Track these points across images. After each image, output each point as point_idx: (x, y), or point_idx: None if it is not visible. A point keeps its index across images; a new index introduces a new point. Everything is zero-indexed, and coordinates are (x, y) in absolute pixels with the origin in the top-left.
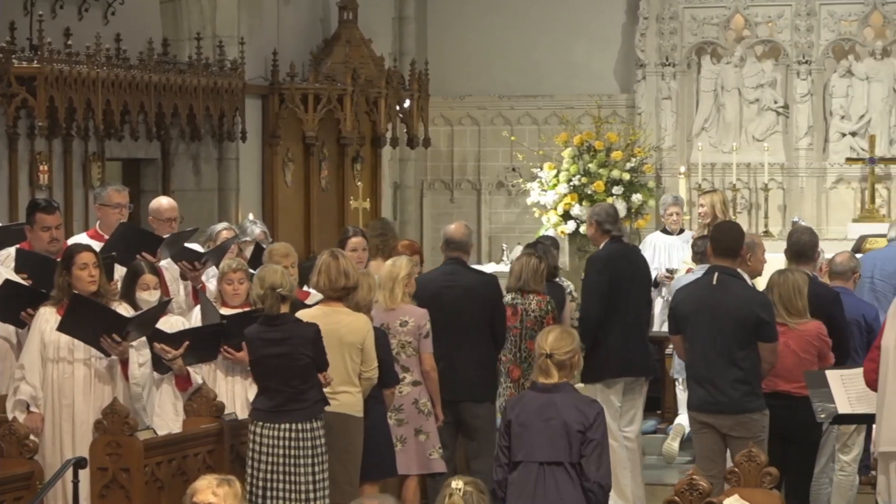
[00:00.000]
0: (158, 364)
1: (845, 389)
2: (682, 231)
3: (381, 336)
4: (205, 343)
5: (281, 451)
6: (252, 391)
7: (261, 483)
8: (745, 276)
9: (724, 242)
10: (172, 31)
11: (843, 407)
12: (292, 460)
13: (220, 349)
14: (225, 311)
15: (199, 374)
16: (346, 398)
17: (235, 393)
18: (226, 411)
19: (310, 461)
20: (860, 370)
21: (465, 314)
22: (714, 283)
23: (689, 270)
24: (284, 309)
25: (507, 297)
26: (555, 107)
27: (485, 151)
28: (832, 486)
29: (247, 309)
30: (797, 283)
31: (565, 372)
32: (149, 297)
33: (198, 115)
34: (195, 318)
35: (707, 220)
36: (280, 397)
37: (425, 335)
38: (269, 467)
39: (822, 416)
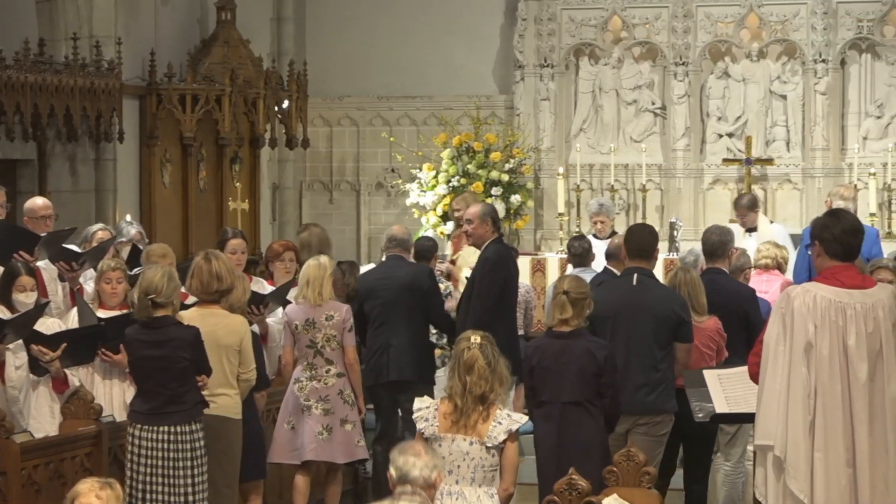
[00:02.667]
0: (35, 366)
1: (723, 389)
2: (613, 233)
3: (255, 339)
4: (82, 345)
5: (160, 454)
6: (130, 393)
7: (140, 486)
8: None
9: (637, 244)
10: (48, 31)
11: (721, 406)
12: (171, 462)
13: (97, 351)
14: (102, 313)
15: (76, 376)
16: (224, 400)
17: (113, 395)
18: (104, 414)
19: (189, 463)
20: (738, 370)
21: (401, 303)
22: (634, 283)
23: None
24: (163, 313)
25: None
26: (433, 108)
27: (364, 152)
28: (726, 479)
29: (124, 311)
30: (698, 280)
31: (577, 310)
32: (25, 300)
33: (74, 115)
34: (72, 320)
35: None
36: (158, 399)
37: (349, 329)
38: (149, 469)
39: (700, 415)
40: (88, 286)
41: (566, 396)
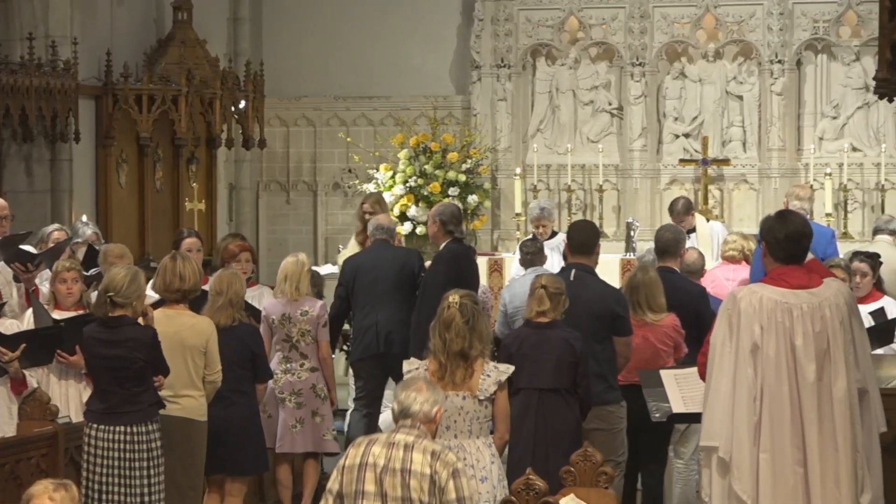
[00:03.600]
0: None
1: (679, 389)
2: (554, 234)
3: (255, 333)
4: (41, 346)
5: (116, 454)
6: (86, 394)
7: (96, 486)
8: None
9: (579, 239)
10: (3, 31)
11: (677, 406)
12: (127, 463)
13: (56, 352)
14: (58, 314)
15: (33, 377)
16: (188, 402)
17: (70, 396)
18: (60, 415)
19: (145, 464)
20: (694, 370)
21: (391, 282)
22: (571, 279)
23: None
24: (122, 312)
25: None
26: (390, 108)
27: (321, 153)
28: (679, 477)
29: (80, 312)
30: (657, 280)
31: (554, 304)
32: None
33: (30, 115)
34: (28, 321)
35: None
36: (114, 399)
37: (323, 324)
38: (105, 470)
39: (657, 415)
40: (44, 287)
41: (544, 384)
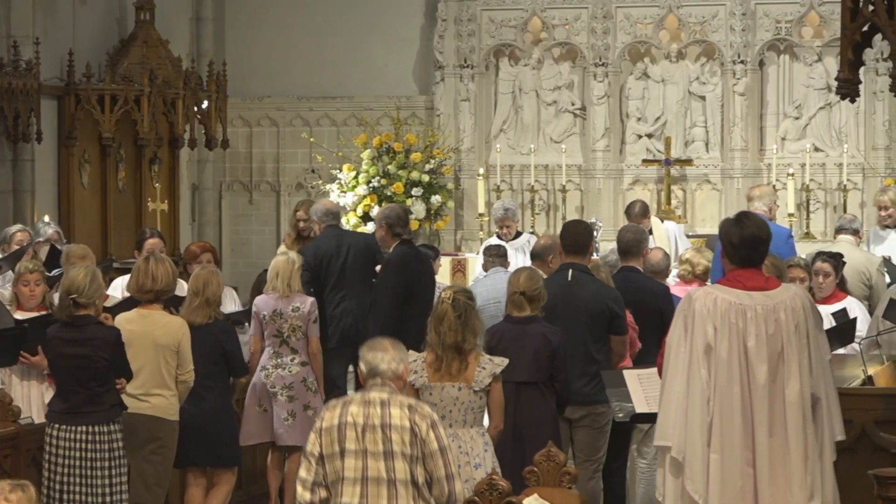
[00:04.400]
0: None
1: (642, 389)
2: (518, 235)
3: (229, 330)
4: (4, 347)
5: (78, 454)
6: (48, 395)
7: (57, 486)
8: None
9: (572, 239)
10: None
11: (640, 406)
12: (89, 462)
13: (19, 353)
14: (20, 315)
15: None
16: (158, 401)
17: (31, 397)
18: (22, 416)
19: (107, 464)
20: (656, 370)
21: (359, 267)
22: (569, 279)
23: None
24: (85, 313)
25: None
26: (354, 108)
27: (283, 153)
28: (642, 476)
29: (43, 312)
30: (609, 279)
31: (534, 305)
32: None
33: None
34: None
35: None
36: (75, 399)
37: (314, 321)
38: (67, 470)
39: (621, 415)
40: (6, 290)
41: (522, 377)
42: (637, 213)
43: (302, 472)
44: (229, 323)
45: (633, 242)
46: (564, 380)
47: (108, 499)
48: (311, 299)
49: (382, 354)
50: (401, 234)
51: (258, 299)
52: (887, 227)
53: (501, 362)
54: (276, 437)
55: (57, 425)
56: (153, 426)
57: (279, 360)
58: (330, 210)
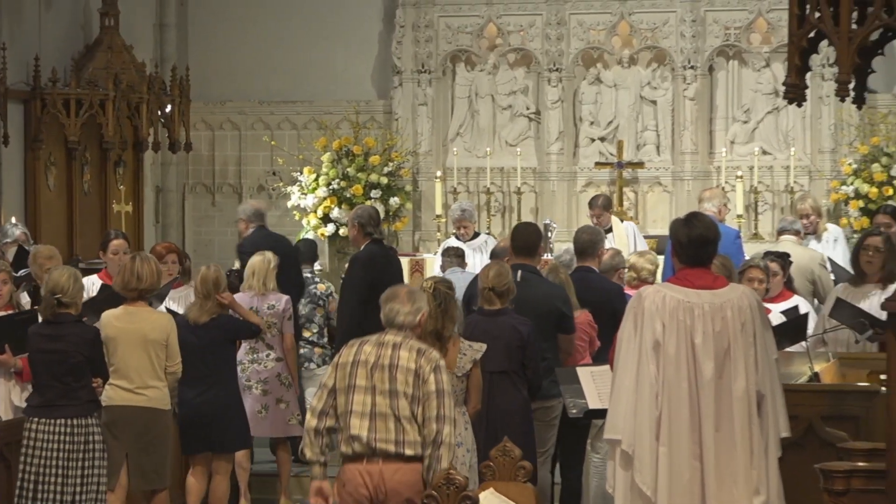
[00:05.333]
0: None
1: (595, 385)
2: (476, 235)
3: (234, 320)
4: None
5: (55, 446)
6: (16, 392)
7: (32, 477)
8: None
9: (521, 241)
10: None
11: (594, 402)
12: (66, 454)
13: None
14: None
15: None
16: (153, 393)
17: None
18: None
19: (82, 455)
20: (608, 367)
21: (296, 267)
22: (518, 279)
23: None
24: (68, 311)
25: None
26: (314, 112)
27: (245, 156)
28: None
29: (9, 312)
30: (568, 280)
31: (503, 298)
32: None
33: None
34: None
35: None
36: (51, 392)
37: (288, 318)
38: (43, 462)
39: (574, 411)
40: None
41: (494, 366)
42: (600, 203)
43: (314, 402)
44: (234, 317)
45: (588, 244)
46: (535, 368)
47: (79, 489)
48: (285, 297)
49: (399, 307)
50: (371, 234)
51: (237, 297)
52: (808, 234)
53: (480, 348)
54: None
55: (35, 419)
56: (149, 417)
57: (255, 356)
58: (258, 210)
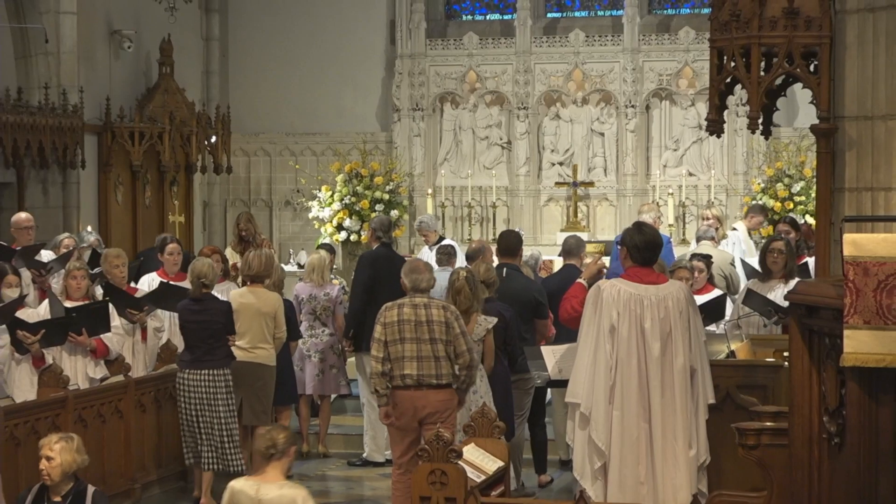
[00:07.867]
0: (19, 347)
1: (556, 361)
2: (440, 240)
3: (290, 308)
4: (56, 331)
5: (203, 390)
6: (91, 367)
7: (192, 411)
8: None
9: (505, 245)
10: (25, 81)
11: (555, 375)
12: (210, 397)
13: (68, 335)
14: (69, 304)
15: (49, 354)
16: (261, 352)
17: (77, 369)
18: (70, 383)
19: (222, 397)
20: (567, 346)
21: None
22: (504, 276)
23: None
24: (207, 291)
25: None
26: (329, 142)
27: (275, 177)
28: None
29: (86, 302)
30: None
31: (491, 289)
32: (11, 294)
33: (46, 148)
34: (44, 310)
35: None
36: (198, 351)
37: (339, 303)
38: (195, 402)
39: (539, 381)
40: (57, 284)
41: None
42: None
43: (374, 352)
44: (290, 302)
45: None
46: (514, 344)
47: (223, 420)
48: (338, 286)
49: (420, 276)
50: (381, 238)
51: (298, 286)
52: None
53: (492, 321)
54: (306, 387)
55: (187, 370)
56: (258, 371)
57: (313, 332)
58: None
